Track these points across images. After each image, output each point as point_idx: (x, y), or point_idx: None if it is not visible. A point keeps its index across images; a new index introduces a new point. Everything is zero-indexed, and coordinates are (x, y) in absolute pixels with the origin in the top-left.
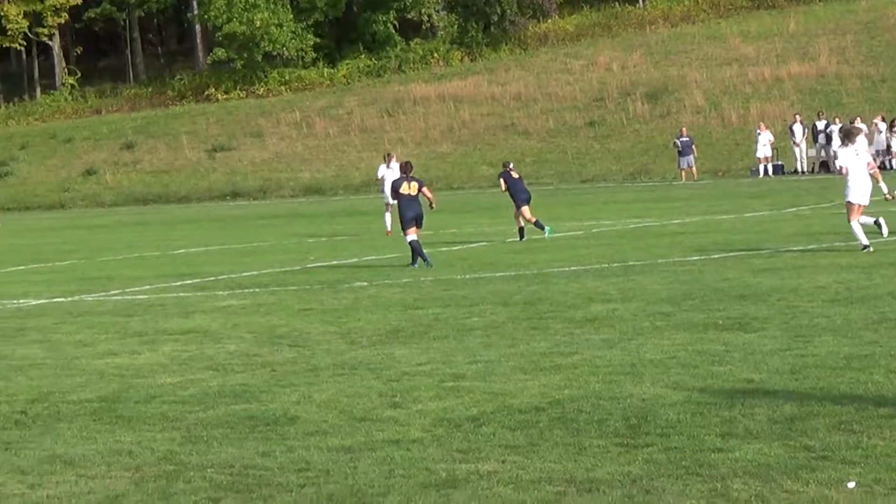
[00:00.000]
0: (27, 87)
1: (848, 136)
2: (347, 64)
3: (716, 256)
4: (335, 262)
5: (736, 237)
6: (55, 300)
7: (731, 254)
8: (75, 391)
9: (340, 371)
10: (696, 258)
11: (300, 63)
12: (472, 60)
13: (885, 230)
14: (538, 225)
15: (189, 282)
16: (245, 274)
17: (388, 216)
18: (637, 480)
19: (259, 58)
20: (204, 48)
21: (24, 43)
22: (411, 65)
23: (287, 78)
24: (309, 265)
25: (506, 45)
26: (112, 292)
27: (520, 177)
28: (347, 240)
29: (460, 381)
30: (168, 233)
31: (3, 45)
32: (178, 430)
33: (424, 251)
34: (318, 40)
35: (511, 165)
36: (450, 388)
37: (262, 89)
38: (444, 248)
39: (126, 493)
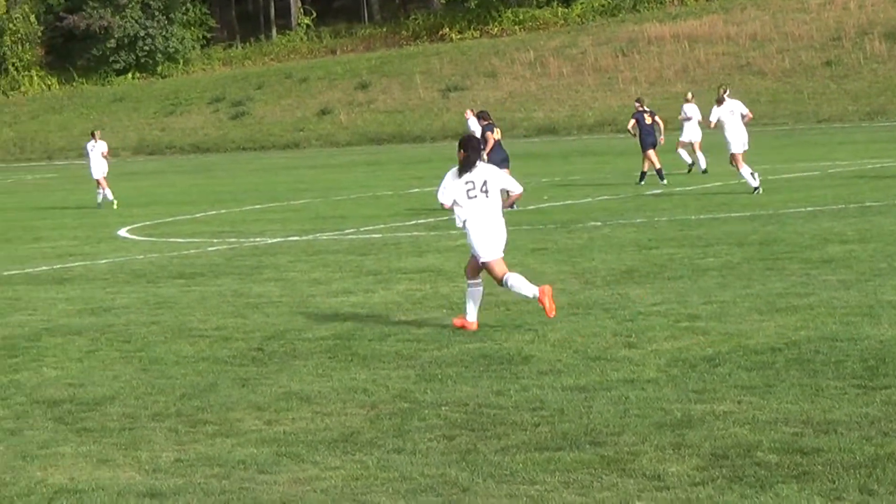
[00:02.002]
0: (263, 28)
1: (721, 99)
2: (582, 3)
3: None
4: (569, 202)
5: None
6: (290, 239)
7: None
8: (311, 329)
9: (574, 310)
10: None
11: (534, 2)
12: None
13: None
14: (659, 174)
15: (422, 221)
16: None
17: None
18: (875, 422)
19: None
20: None
21: None
22: (646, 4)
23: (521, 17)
24: (542, 205)
25: None
26: (346, 231)
27: (653, 120)
28: (581, 180)
29: (695, 322)
30: (402, 172)
31: None
32: (413, 368)
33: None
34: None
35: (642, 105)
36: (685, 329)
37: (495, 29)
38: (678, 189)
39: (361, 430)
